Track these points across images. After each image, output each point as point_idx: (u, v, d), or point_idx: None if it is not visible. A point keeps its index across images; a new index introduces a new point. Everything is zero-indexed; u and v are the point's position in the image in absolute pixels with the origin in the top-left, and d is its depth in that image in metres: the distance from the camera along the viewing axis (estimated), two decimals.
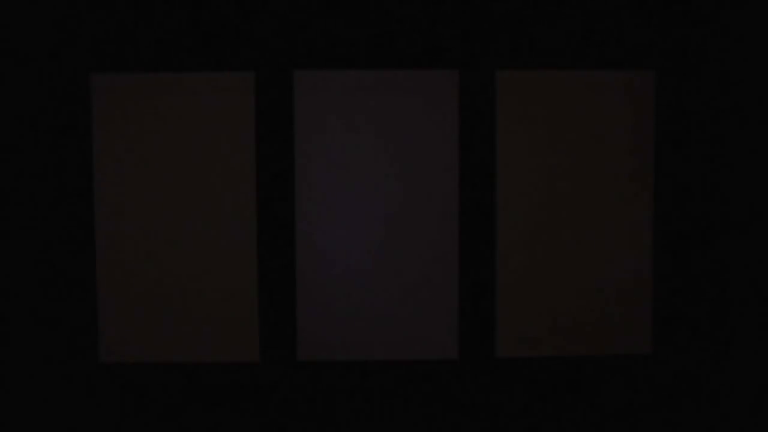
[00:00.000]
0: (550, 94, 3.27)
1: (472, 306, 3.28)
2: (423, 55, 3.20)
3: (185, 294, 3.25)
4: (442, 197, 3.28)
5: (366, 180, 3.27)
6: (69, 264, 3.17)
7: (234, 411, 3.23)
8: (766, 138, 3.25)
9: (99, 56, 3.15)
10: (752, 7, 3.22)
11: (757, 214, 3.26)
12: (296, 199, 3.26)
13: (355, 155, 3.26)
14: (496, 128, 3.26)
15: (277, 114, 3.20)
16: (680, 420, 3.31)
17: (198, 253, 3.24)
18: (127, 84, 3.19)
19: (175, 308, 3.25)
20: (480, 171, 3.25)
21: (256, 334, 3.27)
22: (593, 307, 3.32)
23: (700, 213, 3.27)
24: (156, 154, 3.22)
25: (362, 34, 3.18)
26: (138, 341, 3.25)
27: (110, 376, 3.22)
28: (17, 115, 3.12)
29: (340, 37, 3.18)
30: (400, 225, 3.28)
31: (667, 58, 3.24)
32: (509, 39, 3.21)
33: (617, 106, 3.28)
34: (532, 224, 3.29)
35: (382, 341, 3.30)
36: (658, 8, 3.21)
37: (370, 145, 3.26)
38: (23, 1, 3.10)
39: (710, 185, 3.26)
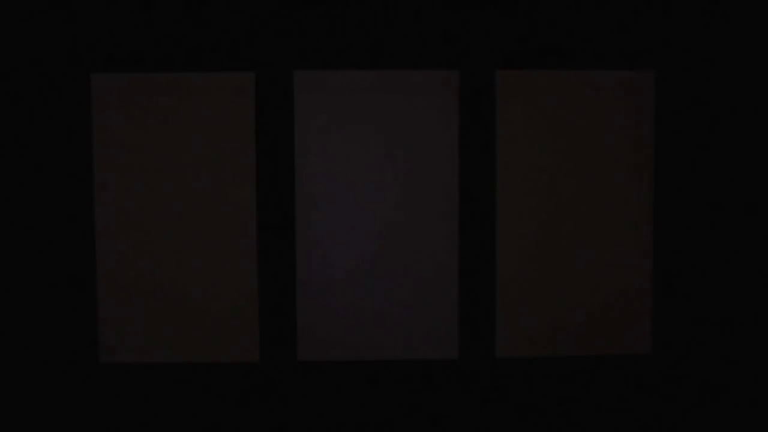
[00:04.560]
0: (550, 94, 3.27)
1: (472, 306, 3.28)
2: (423, 55, 3.20)
3: (185, 294, 3.25)
4: (442, 197, 3.28)
5: (366, 180, 3.27)
6: (69, 264, 3.17)
7: (234, 411, 3.23)
8: (766, 137, 3.25)
9: (99, 56, 3.15)
10: (752, 7, 3.22)
11: (757, 213, 3.26)
12: (296, 199, 3.26)
13: (355, 155, 3.26)
14: (496, 128, 3.26)
15: (277, 114, 3.20)
16: (680, 420, 3.31)
17: (198, 253, 3.24)
18: (127, 84, 3.19)
19: (175, 308, 3.25)
20: (480, 171, 3.25)
21: (256, 334, 3.27)
22: (593, 307, 3.32)
23: (700, 212, 3.27)
24: (156, 154, 3.22)
25: (362, 34, 3.19)
26: (138, 341, 3.25)
27: (110, 376, 3.22)
28: (17, 115, 3.12)
29: (340, 37, 3.18)
30: (400, 225, 3.28)
31: (667, 58, 3.24)
32: (509, 39, 3.21)
33: (617, 106, 3.28)
34: (532, 224, 3.30)
35: (382, 341, 3.30)
36: (658, 8, 3.21)
37: (370, 145, 3.26)
38: (23, 1, 3.10)
39: (710, 185, 3.26)
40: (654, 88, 3.28)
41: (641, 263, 3.32)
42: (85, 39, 3.13)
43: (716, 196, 3.26)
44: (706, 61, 3.24)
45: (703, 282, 3.28)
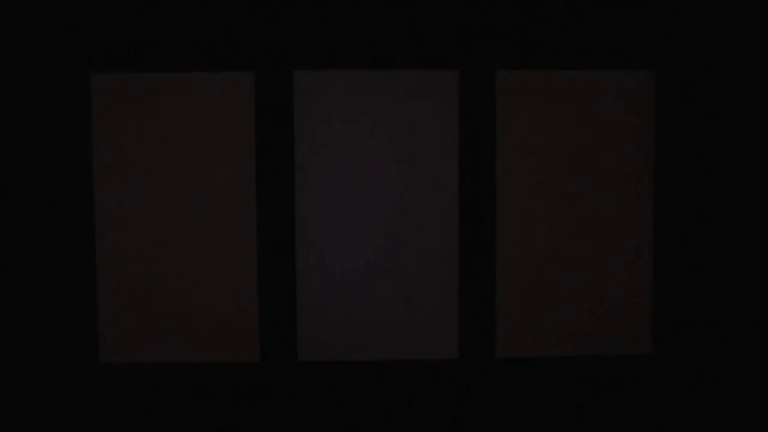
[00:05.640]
0: (550, 95, 3.27)
1: (472, 306, 3.28)
2: (423, 55, 3.20)
3: (185, 294, 3.25)
4: (442, 197, 3.28)
5: (366, 180, 3.27)
6: (69, 264, 3.17)
7: (234, 411, 3.23)
8: (766, 137, 3.25)
9: (99, 56, 3.15)
10: (752, 7, 3.22)
11: (757, 213, 3.26)
12: (296, 199, 3.26)
13: (355, 155, 3.26)
14: (496, 128, 3.26)
15: (277, 114, 3.20)
16: (680, 420, 3.31)
17: (198, 253, 3.24)
18: (127, 84, 3.19)
19: (175, 308, 3.25)
20: (480, 171, 3.25)
21: (256, 334, 3.27)
22: (593, 307, 3.32)
23: (700, 213, 3.27)
24: (156, 154, 3.22)
25: (362, 34, 3.19)
26: (138, 341, 3.25)
27: (110, 376, 3.22)
28: (18, 115, 3.12)
29: (340, 37, 3.18)
30: (400, 225, 3.28)
31: (667, 58, 3.24)
32: (509, 39, 3.21)
33: (617, 106, 3.28)
34: (532, 224, 3.29)
35: (382, 341, 3.30)
36: (658, 8, 3.21)
37: (370, 145, 3.26)
38: (23, 1, 3.10)
39: (710, 185, 3.26)
40: (654, 89, 3.28)
41: (641, 263, 3.32)
42: (85, 39, 3.13)
43: (716, 196, 3.26)
44: (706, 61, 3.24)
45: (703, 282, 3.28)
